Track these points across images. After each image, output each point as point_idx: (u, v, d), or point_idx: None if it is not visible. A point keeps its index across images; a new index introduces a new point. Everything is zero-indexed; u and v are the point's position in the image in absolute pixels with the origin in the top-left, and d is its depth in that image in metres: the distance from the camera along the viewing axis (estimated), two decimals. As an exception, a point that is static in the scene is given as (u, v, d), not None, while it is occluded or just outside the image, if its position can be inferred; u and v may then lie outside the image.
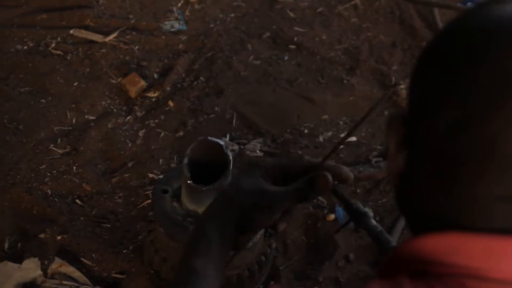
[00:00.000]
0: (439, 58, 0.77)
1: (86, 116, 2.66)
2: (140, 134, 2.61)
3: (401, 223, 2.35)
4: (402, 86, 2.82)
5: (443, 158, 0.75)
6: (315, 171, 1.10)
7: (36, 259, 2.15)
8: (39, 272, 2.13)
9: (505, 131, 0.70)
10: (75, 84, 2.78)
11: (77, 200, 2.38)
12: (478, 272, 0.73)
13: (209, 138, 1.92)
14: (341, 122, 2.70)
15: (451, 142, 0.73)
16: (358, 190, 2.47)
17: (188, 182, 1.87)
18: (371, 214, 1.13)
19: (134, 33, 2.99)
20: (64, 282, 2.13)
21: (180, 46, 2.97)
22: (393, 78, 2.86)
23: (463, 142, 0.72)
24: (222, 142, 1.90)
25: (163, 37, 3.00)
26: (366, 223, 1.11)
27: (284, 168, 1.15)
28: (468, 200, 0.74)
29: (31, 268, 2.12)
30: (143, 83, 2.77)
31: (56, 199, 2.37)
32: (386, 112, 2.74)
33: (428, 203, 0.79)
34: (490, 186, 0.72)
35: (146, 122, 2.65)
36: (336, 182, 1.11)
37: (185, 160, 1.89)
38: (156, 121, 2.66)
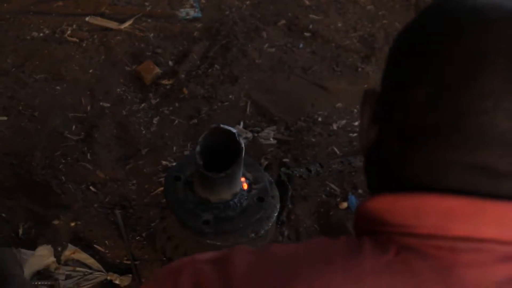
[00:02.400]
0: (416, 36, 0.81)
1: (101, 103, 2.67)
2: (154, 121, 2.61)
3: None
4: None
5: (415, 129, 0.77)
6: None
7: (49, 246, 2.16)
8: (53, 259, 2.14)
9: (472, 106, 0.72)
10: (90, 71, 2.79)
11: (91, 187, 2.39)
12: (404, 229, 0.76)
13: (222, 125, 1.92)
14: (355, 110, 2.70)
15: (425, 114, 0.76)
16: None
17: (200, 170, 1.88)
18: None
19: (149, 20, 3.00)
20: (78, 268, 2.14)
21: (195, 33, 2.97)
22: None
23: (436, 114, 0.75)
24: (234, 130, 1.91)
25: (178, 24, 3.00)
26: None
27: None
28: (431, 166, 0.77)
29: (44, 255, 2.13)
30: (158, 70, 2.77)
31: (70, 186, 2.38)
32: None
33: (390, 171, 0.82)
34: (458, 155, 0.75)
35: (160, 109, 2.65)
36: None
37: (198, 148, 1.89)
38: (170, 108, 2.66)
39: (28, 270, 2.10)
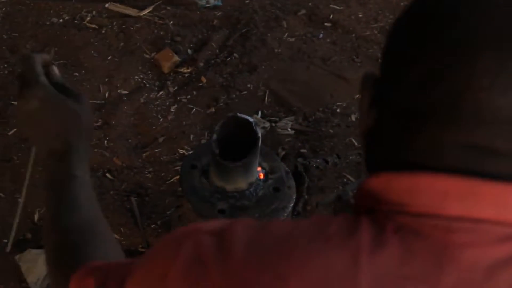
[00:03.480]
0: (412, 17, 0.81)
1: (119, 91, 2.67)
2: (172, 109, 2.60)
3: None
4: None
5: (412, 110, 0.77)
6: None
7: (60, 240, 2.16)
8: (65, 253, 2.14)
9: (466, 85, 0.73)
10: (109, 58, 2.78)
11: (107, 174, 2.39)
12: (401, 207, 0.76)
13: (239, 114, 1.91)
14: (374, 102, 2.67)
15: (421, 94, 0.76)
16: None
17: (217, 158, 1.87)
18: None
19: (169, 8, 2.99)
20: (92, 257, 2.14)
21: (215, 22, 2.96)
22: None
23: (432, 94, 0.75)
24: (251, 119, 1.89)
25: (198, 12, 2.99)
26: None
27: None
28: (429, 146, 0.77)
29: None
30: (176, 58, 2.76)
31: (87, 172, 2.38)
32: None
33: (386, 153, 0.83)
34: (455, 135, 0.75)
35: (178, 98, 2.64)
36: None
37: (214, 137, 1.88)
38: (188, 96, 2.65)
39: (43, 267, 2.10)
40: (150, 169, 2.41)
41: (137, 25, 2.91)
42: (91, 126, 1.17)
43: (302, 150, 2.46)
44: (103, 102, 2.62)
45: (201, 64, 2.77)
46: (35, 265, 2.10)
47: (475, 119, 0.73)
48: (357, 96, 2.69)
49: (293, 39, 2.90)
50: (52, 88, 1.10)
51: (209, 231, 0.80)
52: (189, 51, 2.84)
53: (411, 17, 0.81)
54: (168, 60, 2.74)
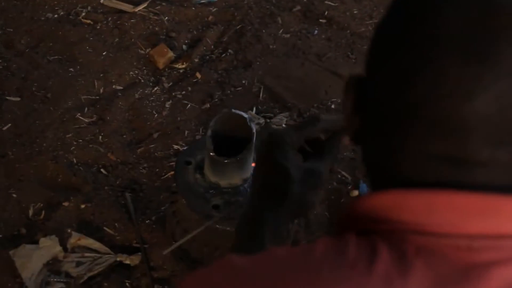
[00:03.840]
0: (382, 21, 0.82)
1: (114, 86, 2.67)
2: (167, 105, 2.61)
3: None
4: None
5: (383, 117, 0.77)
6: (334, 135, 1.15)
7: (53, 236, 2.16)
8: (59, 248, 2.13)
9: (429, 93, 0.71)
10: (103, 53, 2.78)
11: (102, 170, 2.39)
12: (418, 227, 0.74)
13: (233, 110, 1.92)
14: (368, 98, 2.68)
15: (388, 101, 0.75)
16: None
17: (211, 154, 1.88)
18: None
19: (164, 3, 2.99)
20: (86, 254, 2.14)
21: (210, 18, 2.96)
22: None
23: (397, 102, 0.74)
24: (246, 115, 1.90)
25: (193, 8, 2.99)
26: None
27: (307, 136, 1.15)
28: (405, 157, 0.76)
29: (50, 245, 2.13)
30: (171, 54, 2.76)
31: (81, 168, 2.39)
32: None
33: (375, 161, 0.82)
34: (421, 145, 0.74)
35: (173, 94, 2.65)
36: None
37: (209, 132, 1.89)
38: (183, 92, 2.66)
39: (37, 262, 2.10)
40: (145, 165, 2.41)
41: (132, 20, 2.91)
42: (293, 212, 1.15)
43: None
44: (97, 97, 2.62)
45: (196, 60, 2.77)
46: (29, 260, 2.10)
47: (443, 128, 0.71)
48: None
49: (288, 36, 2.91)
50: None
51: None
52: (184, 47, 2.84)
53: (381, 20, 0.81)
54: (163, 56, 2.74)
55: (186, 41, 2.86)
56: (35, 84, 2.65)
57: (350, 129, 0.85)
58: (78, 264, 2.12)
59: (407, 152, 0.75)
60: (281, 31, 2.92)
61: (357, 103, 0.83)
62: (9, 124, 2.50)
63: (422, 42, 0.73)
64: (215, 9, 2.99)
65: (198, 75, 2.72)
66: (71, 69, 2.72)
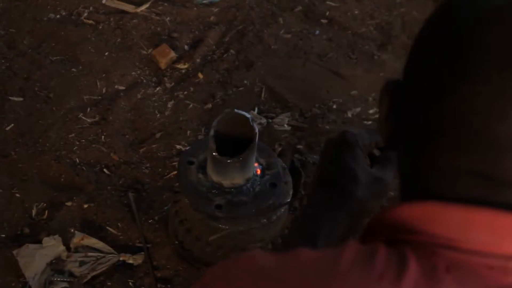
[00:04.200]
0: (424, 30, 0.80)
1: (116, 86, 2.68)
2: (169, 105, 2.62)
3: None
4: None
5: (418, 128, 0.76)
6: None
7: (57, 235, 2.16)
8: (62, 247, 2.14)
9: (466, 108, 0.70)
10: (106, 54, 2.79)
11: (104, 169, 2.40)
12: (450, 242, 0.73)
13: (236, 110, 1.93)
14: (370, 98, 2.69)
15: (425, 113, 0.74)
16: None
17: (214, 154, 1.88)
18: None
19: (166, 4, 3.00)
20: (89, 254, 2.15)
21: (212, 18, 2.97)
22: (425, 55, 2.84)
23: (434, 114, 0.73)
24: (248, 115, 1.91)
25: (195, 9, 3.00)
26: None
27: (377, 142, 1.16)
28: (439, 170, 0.75)
29: (53, 245, 2.14)
30: (173, 54, 2.77)
31: (84, 168, 2.39)
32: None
33: (409, 169, 0.81)
34: (458, 159, 0.73)
35: (175, 94, 2.65)
36: None
37: (211, 132, 1.89)
38: (185, 92, 2.66)
39: (41, 262, 2.11)
40: (147, 165, 2.42)
41: (134, 21, 2.91)
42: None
43: (299, 146, 2.47)
44: (100, 97, 2.63)
45: (198, 60, 2.78)
46: (32, 259, 2.11)
47: (479, 145, 0.70)
48: (353, 92, 2.71)
49: (289, 36, 2.91)
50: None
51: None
52: (186, 47, 2.85)
53: (424, 28, 0.79)
54: (165, 56, 2.75)
55: (188, 42, 2.87)
56: (38, 84, 2.66)
57: (383, 134, 0.85)
58: (82, 263, 2.13)
59: (441, 165, 0.74)
60: (282, 31, 2.93)
61: (392, 108, 0.83)
62: (12, 124, 2.51)
63: (461, 58, 0.72)
64: (216, 10, 2.99)
65: (200, 75, 2.73)
66: (74, 69, 2.72)
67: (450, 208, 0.73)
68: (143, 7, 2.96)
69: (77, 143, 2.47)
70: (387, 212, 0.80)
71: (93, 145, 2.47)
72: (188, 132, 2.53)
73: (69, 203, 2.28)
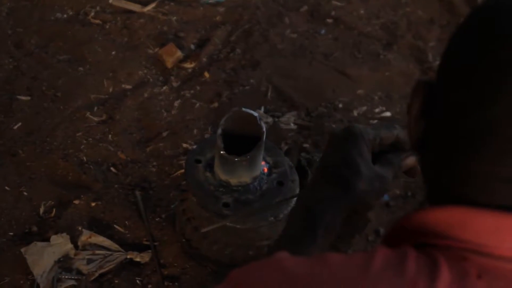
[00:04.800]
0: (461, 35, 0.78)
1: (123, 85, 2.69)
2: (176, 104, 2.63)
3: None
4: (438, 63, 2.80)
5: (454, 133, 0.75)
6: (405, 151, 1.13)
7: (65, 233, 2.18)
8: (70, 245, 2.15)
9: (505, 115, 0.70)
10: (112, 53, 2.80)
11: (111, 168, 2.41)
12: (481, 248, 0.72)
13: (243, 109, 1.93)
14: (376, 97, 2.70)
15: (462, 118, 0.74)
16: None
17: (221, 152, 1.89)
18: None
19: (172, 3, 3.01)
20: (97, 251, 2.16)
21: (218, 17, 2.98)
22: (430, 55, 2.85)
23: (472, 121, 0.73)
24: (256, 113, 1.92)
25: (201, 8, 3.01)
26: None
27: (383, 139, 1.14)
28: (472, 176, 0.74)
29: (61, 243, 2.15)
30: (179, 53, 2.78)
31: (91, 166, 2.41)
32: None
33: (437, 174, 0.80)
34: (492, 166, 0.72)
35: (182, 93, 2.67)
36: None
37: (219, 131, 1.90)
38: (192, 91, 2.68)
39: (49, 260, 2.12)
40: (154, 163, 2.43)
41: (140, 20, 2.93)
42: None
43: (305, 145, 2.48)
44: (107, 96, 2.64)
45: (204, 60, 2.79)
46: (41, 257, 2.12)
47: (508, 154, 0.70)
48: (359, 91, 2.72)
49: (295, 35, 2.92)
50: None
51: None
52: (192, 46, 2.86)
53: (460, 33, 0.78)
54: (172, 55, 2.76)
55: (195, 41, 2.88)
56: (45, 83, 2.67)
57: (413, 135, 0.84)
58: (89, 261, 2.14)
59: (474, 170, 0.74)
60: (288, 30, 2.93)
61: (423, 110, 0.82)
62: (20, 123, 2.52)
63: (501, 70, 0.71)
64: (223, 9, 3.00)
65: (207, 74, 2.74)
66: (81, 68, 2.74)
67: (481, 213, 0.73)
68: (150, 7, 2.97)
69: (85, 141, 2.49)
70: (415, 215, 0.79)
71: (100, 144, 2.48)
72: (195, 130, 2.54)
73: (76, 201, 2.30)
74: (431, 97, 0.81)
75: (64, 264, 2.13)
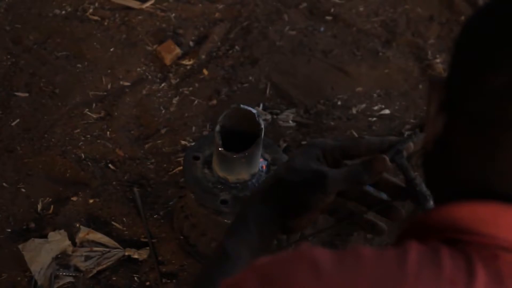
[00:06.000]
0: (492, 18, 0.75)
1: (121, 82, 2.68)
2: (174, 101, 2.62)
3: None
4: (438, 60, 2.80)
5: (486, 124, 0.72)
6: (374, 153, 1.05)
7: (62, 230, 2.17)
8: (68, 242, 2.15)
9: None
10: (111, 50, 2.79)
11: (110, 165, 2.41)
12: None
13: (242, 106, 1.93)
14: (375, 95, 2.69)
15: (496, 108, 0.71)
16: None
17: (220, 149, 1.89)
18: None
19: (171, 0, 3.00)
20: (95, 248, 2.16)
21: (217, 14, 2.97)
22: (429, 52, 2.84)
23: (508, 109, 0.70)
24: (254, 110, 1.91)
25: (200, 5, 3.00)
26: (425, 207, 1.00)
27: (345, 149, 1.09)
28: (502, 171, 0.72)
29: (59, 240, 2.15)
30: (178, 50, 2.77)
31: (89, 163, 2.40)
32: (420, 86, 2.72)
33: (463, 169, 0.77)
34: None
35: (180, 90, 2.66)
36: (404, 154, 1.05)
37: (217, 128, 1.90)
38: (190, 88, 2.67)
39: (46, 256, 2.12)
40: (153, 160, 2.43)
41: (139, 17, 2.92)
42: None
43: (304, 142, 2.48)
44: (105, 93, 2.64)
45: (203, 57, 2.79)
46: (38, 254, 2.12)
47: None
48: (358, 89, 2.71)
49: (294, 32, 2.92)
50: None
51: None
52: (191, 43, 2.85)
53: (488, 17, 0.75)
54: (170, 52, 2.76)
55: (193, 38, 2.87)
56: (43, 79, 2.67)
57: (430, 132, 0.81)
58: (87, 258, 2.14)
59: (506, 164, 0.72)
60: (287, 28, 2.93)
61: (443, 105, 0.79)
62: (18, 120, 2.52)
63: None
64: (221, 6, 3.00)
65: (205, 71, 2.73)
66: (79, 65, 2.73)
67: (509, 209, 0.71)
68: (148, 3, 2.96)
69: (83, 138, 2.48)
70: (437, 211, 0.78)
71: (98, 141, 2.48)
72: (193, 128, 2.53)
73: (74, 198, 2.29)
74: (450, 91, 0.78)
75: (61, 260, 2.13)
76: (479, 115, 0.73)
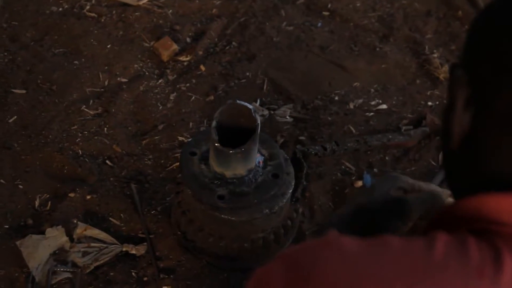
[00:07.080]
0: None
1: (118, 79, 2.68)
2: (171, 97, 2.62)
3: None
4: (435, 55, 2.80)
5: None
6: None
7: (60, 226, 2.18)
8: (65, 238, 2.15)
9: None
10: (108, 46, 2.80)
11: (107, 161, 2.41)
12: None
13: (238, 101, 1.93)
14: (372, 90, 2.69)
15: None
16: (387, 158, 2.46)
17: (216, 145, 1.89)
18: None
19: (168, -4, 3.01)
20: (92, 244, 2.16)
21: (214, 10, 2.98)
22: (427, 47, 2.84)
23: None
24: (250, 106, 1.92)
25: (197, 1, 3.00)
26: None
27: (419, 188, 1.13)
28: None
29: (56, 236, 2.15)
30: (175, 46, 2.78)
31: (87, 160, 2.40)
32: (418, 81, 2.72)
33: (491, 164, 0.77)
34: None
35: (177, 86, 2.66)
36: None
37: (214, 123, 1.90)
38: (187, 85, 2.67)
39: (44, 252, 2.12)
40: (150, 156, 2.43)
41: (136, 14, 2.92)
42: None
43: (301, 138, 2.48)
44: (102, 90, 2.64)
45: (200, 53, 2.79)
46: (36, 250, 2.12)
47: None
48: (355, 84, 2.71)
49: (291, 28, 2.92)
50: None
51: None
52: (188, 39, 2.85)
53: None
54: (167, 48, 2.76)
55: (190, 34, 2.87)
56: (40, 76, 2.67)
57: (457, 131, 0.80)
58: (85, 254, 2.14)
59: None
60: (284, 23, 2.93)
61: (469, 100, 0.78)
62: (15, 116, 2.52)
63: None
64: (218, 2, 3.00)
65: (202, 67, 2.73)
66: (76, 61, 2.73)
67: None
68: (145, 0, 2.96)
69: (80, 135, 2.48)
70: (464, 203, 0.78)
71: (96, 137, 2.48)
72: (191, 124, 2.54)
73: (72, 194, 2.29)
74: (476, 86, 0.77)
75: (59, 256, 2.13)
76: (506, 110, 0.73)
